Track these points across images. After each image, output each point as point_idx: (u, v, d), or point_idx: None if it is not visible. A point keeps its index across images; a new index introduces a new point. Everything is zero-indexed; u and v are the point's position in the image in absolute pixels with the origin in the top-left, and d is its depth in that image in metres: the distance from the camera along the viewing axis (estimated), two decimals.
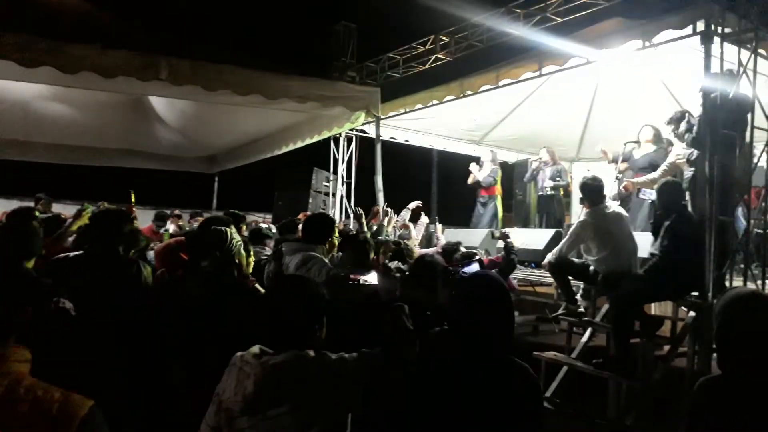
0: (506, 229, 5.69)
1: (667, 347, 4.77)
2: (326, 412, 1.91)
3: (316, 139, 8.41)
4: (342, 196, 9.77)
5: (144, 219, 10.06)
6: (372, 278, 2.51)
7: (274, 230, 5.56)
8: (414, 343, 2.12)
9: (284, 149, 9.23)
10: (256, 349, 1.97)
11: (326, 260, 3.38)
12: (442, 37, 10.22)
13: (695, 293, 4.43)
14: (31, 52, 4.74)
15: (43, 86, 6.46)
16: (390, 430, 2.19)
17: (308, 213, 7.90)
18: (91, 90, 6.27)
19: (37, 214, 4.55)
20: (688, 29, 4.86)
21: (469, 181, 8.96)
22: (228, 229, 2.99)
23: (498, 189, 9.05)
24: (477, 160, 9.30)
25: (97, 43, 5.04)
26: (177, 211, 9.01)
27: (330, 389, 1.91)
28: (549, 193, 8.55)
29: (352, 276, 2.56)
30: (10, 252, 2.80)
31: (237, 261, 3.01)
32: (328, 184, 10.37)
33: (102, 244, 2.96)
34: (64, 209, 9.93)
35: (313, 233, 3.58)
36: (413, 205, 7.16)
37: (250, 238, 4.54)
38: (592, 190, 4.97)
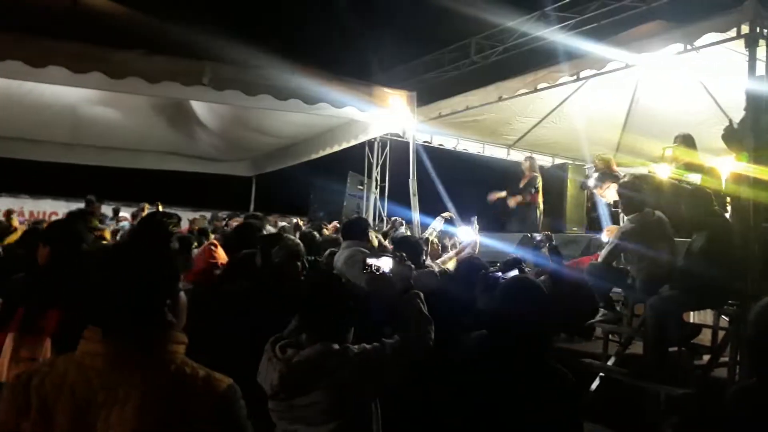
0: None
1: (707, 356, 4.67)
2: (350, 402, 2.00)
3: (352, 143, 8.49)
4: (376, 200, 9.83)
5: (184, 220, 10.35)
6: (385, 265, 2.55)
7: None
8: (431, 329, 2.19)
9: (321, 153, 9.34)
10: (283, 342, 2.08)
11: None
12: (478, 42, 10.20)
13: (736, 302, 4.34)
14: (82, 59, 4.94)
15: (90, 91, 6.70)
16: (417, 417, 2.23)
17: (337, 225, 8.03)
18: (136, 95, 6.50)
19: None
20: (732, 32, 4.75)
21: (511, 204, 8.85)
22: (287, 234, 3.12)
23: (539, 197, 8.92)
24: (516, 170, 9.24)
25: (142, 49, 5.21)
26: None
27: (352, 381, 1.99)
28: None
29: (368, 262, 2.61)
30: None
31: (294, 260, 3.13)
32: (362, 187, 10.46)
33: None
34: (110, 210, 10.32)
35: (353, 232, 3.76)
36: (446, 215, 7.18)
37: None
38: (632, 198, 4.90)
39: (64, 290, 2.63)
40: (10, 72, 4.92)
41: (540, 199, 8.84)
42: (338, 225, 8.10)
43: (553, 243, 4.68)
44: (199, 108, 8.12)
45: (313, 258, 4.66)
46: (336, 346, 2.02)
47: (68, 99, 7.58)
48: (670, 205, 5.03)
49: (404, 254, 2.71)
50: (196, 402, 1.32)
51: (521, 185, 8.88)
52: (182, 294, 1.52)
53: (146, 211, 8.35)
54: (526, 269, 4.63)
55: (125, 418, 1.27)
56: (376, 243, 3.89)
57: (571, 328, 5.72)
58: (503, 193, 8.84)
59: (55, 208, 11.88)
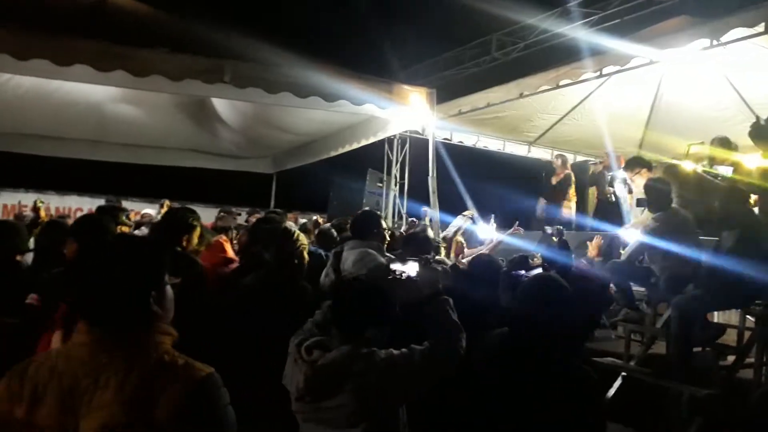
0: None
1: (732, 357, 4.59)
2: (376, 406, 1.98)
3: (371, 140, 8.50)
4: (395, 197, 9.83)
5: (205, 216, 10.44)
6: (411, 270, 2.51)
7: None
8: (462, 337, 2.14)
9: (340, 150, 9.36)
10: (309, 343, 2.07)
11: (381, 258, 3.46)
12: (499, 38, 10.13)
13: (764, 302, 4.25)
14: (106, 58, 5.02)
15: (115, 89, 6.80)
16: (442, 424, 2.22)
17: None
18: (159, 92, 6.58)
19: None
20: (760, 27, 4.66)
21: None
22: (297, 231, 3.12)
23: (571, 193, 8.84)
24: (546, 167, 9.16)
25: (165, 48, 5.27)
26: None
27: (378, 387, 1.97)
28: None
29: (392, 268, 2.58)
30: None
31: (297, 260, 3.14)
32: (381, 185, 10.46)
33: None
34: (132, 206, 10.47)
35: (361, 229, 3.73)
36: (468, 213, 7.15)
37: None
38: (660, 194, 4.83)
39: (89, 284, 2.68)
40: (37, 70, 5.01)
41: (572, 194, 8.76)
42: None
43: (563, 237, 4.63)
44: (221, 105, 8.19)
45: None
46: (363, 350, 2.01)
47: (94, 97, 7.70)
48: (697, 200, 4.94)
49: (429, 257, 2.69)
50: (174, 389, 1.35)
51: (554, 182, 8.80)
52: (168, 287, 1.56)
53: (165, 208, 8.45)
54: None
55: (104, 402, 1.33)
56: (386, 236, 3.84)
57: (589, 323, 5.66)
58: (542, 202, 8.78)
59: (80, 204, 12.08)
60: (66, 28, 4.92)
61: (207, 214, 11.17)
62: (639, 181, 5.62)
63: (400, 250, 3.89)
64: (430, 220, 7.79)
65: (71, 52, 4.86)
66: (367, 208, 8.73)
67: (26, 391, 1.39)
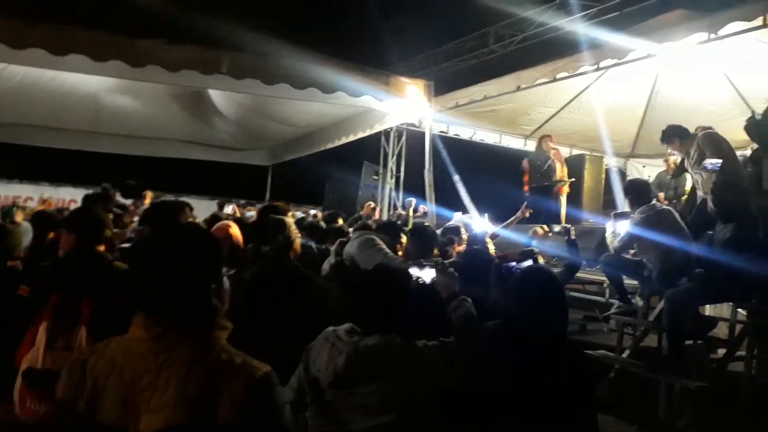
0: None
1: (723, 350, 4.63)
2: (410, 395, 1.99)
3: (368, 132, 8.49)
4: (391, 190, 9.83)
5: (200, 208, 10.43)
6: (428, 276, 2.54)
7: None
8: (482, 331, 2.19)
9: (337, 143, 9.36)
10: (347, 326, 2.08)
11: (383, 243, 3.54)
12: (497, 30, 10.12)
13: (757, 296, 4.29)
14: (102, 47, 4.99)
15: (111, 79, 6.77)
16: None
17: (372, 204, 8.01)
18: (156, 83, 6.55)
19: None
20: (758, 21, 4.66)
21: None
22: (287, 220, 3.13)
23: (565, 188, 8.84)
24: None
25: (162, 38, 5.24)
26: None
27: (415, 374, 1.99)
28: None
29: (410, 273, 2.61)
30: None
31: (293, 248, 3.16)
32: (377, 177, 10.46)
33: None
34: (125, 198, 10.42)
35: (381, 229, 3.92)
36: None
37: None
38: (639, 190, 4.91)
39: (95, 278, 2.68)
40: (32, 60, 4.98)
41: (565, 188, 8.76)
42: (373, 205, 8.11)
43: (572, 237, 4.64)
44: (217, 97, 8.17)
45: (323, 246, 4.69)
46: (399, 338, 2.04)
47: (90, 87, 7.67)
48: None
49: (445, 262, 2.70)
50: (235, 388, 1.33)
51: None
52: (225, 279, 1.53)
53: (149, 199, 8.42)
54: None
55: (166, 401, 1.31)
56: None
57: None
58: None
59: (75, 196, 12.02)
60: (62, 17, 4.89)
61: (202, 207, 11.17)
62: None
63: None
64: (414, 210, 7.81)
65: (67, 41, 4.83)
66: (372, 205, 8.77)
67: (87, 385, 1.38)
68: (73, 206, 10.90)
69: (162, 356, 1.35)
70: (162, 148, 11.12)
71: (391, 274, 2.25)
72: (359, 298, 2.15)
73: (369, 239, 3.72)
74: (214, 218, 5.29)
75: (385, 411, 1.95)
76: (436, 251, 3.88)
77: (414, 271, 2.54)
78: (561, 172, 8.74)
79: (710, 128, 5.34)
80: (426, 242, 3.63)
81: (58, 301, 2.64)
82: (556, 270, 4.09)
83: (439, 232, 5.06)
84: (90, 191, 7.57)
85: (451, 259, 3.80)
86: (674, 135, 5.46)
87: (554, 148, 8.74)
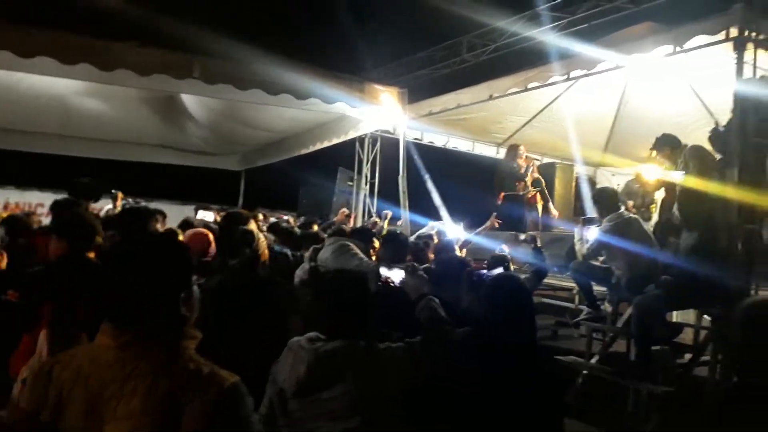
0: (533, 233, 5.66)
1: (689, 355, 4.73)
2: (375, 398, 1.99)
3: (342, 139, 8.50)
4: (365, 197, 9.84)
5: (172, 214, 10.29)
6: (396, 276, 2.57)
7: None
8: (449, 329, 2.20)
9: (311, 149, 9.34)
10: (312, 334, 2.08)
11: (358, 250, 3.55)
12: (469, 40, 10.23)
13: (719, 302, 4.39)
14: (71, 50, 4.91)
15: (80, 82, 6.65)
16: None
17: (346, 210, 7.99)
18: (126, 87, 6.45)
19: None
20: (721, 35, 4.80)
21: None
22: (255, 230, 3.12)
23: (538, 197, 8.93)
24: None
25: (133, 41, 5.18)
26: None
27: (378, 376, 1.99)
28: None
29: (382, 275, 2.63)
30: None
31: (261, 259, 3.14)
32: (351, 183, 10.45)
33: None
34: (94, 204, 10.21)
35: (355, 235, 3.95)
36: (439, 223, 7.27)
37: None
38: (607, 198, 5.02)
39: (88, 285, 2.62)
40: None
41: (538, 197, 8.85)
42: (347, 212, 8.09)
43: (538, 245, 4.73)
44: (190, 101, 8.08)
45: (299, 254, 4.67)
46: (362, 342, 2.04)
47: (57, 90, 7.51)
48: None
49: (415, 264, 2.72)
50: (202, 398, 1.31)
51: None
52: (195, 288, 1.52)
53: (120, 200, 8.27)
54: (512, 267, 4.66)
55: (131, 411, 1.29)
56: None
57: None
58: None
59: (42, 200, 11.73)
60: (28, 18, 4.79)
61: (174, 212, 11.01)
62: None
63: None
64: (390, 221, 7.82)
65: (34, 43, 4.74)
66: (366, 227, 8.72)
67: (52, 395, 1.35)
68: (39, 210, 10.66)
69: (129, 365, 1.33)
70: (133, 152, 10.94)
71: (352, 278, 2.26)
72: (321, 303, 2.15)
73: (343, 245, 3.74)
74: (186, 224, 5.23)
75: (350, 415, 1.95)
76: (409, 257, 3.92)
77: (383, 272, 2.56)
78: (531, 180, 8.85)
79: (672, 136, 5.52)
80: (399, 248, 3.67)
81: (55, 309, 2.58)
82: (524, 276, 4.15)
83: (412, 238, 5.10)
84: (58, 196, 7.41)
85: (425, 265, 3.83)
86: (666, 144, 5.60)
87: (524, 157, 8.85)
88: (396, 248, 3.67)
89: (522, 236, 5.57)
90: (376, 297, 2.21)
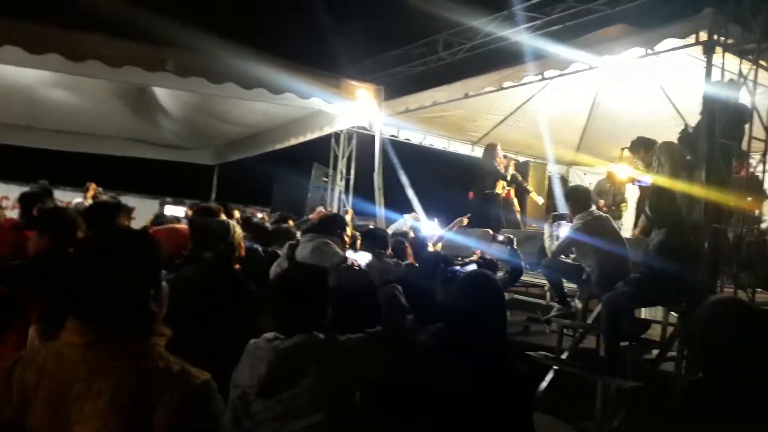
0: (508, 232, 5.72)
1: (656, 351, 4.84)
2: (338, 390, 1.98)
3: (317, 134, 8.46)
4: (340, 193, 9.81)
5: (144, 208, 10.13)
6: (363, 260, 2.58)
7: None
8: (408, 317, 2.22)
9: (285, 144, 9.27)
10: (269, 334, 2.05)
11: (339, 249, 3.54)
12: (446, 38, 10.27)
13: (686, 299, 4.50)
14: (39, 39, 4.78)
15: (47, 72, 6.48)
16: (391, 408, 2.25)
17: (321, 209, 7.96)
18: (96, 78, 6.31)
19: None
20: (691, 38, 4.91)
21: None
22: (231, 222, 3.07)
23: (512, 192, 9.01)
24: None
25: (104, 32, 5.07)
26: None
27: (341, 368, 1.98)
28: None
29: (346, 257, 2.64)
30: None
31: (237, 253, 3.10)
32: (327, 179, 10.42)
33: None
34: (64, 195, 10.01)
35: (327, 227, 3.88)
36: (414, 215, 7.27)
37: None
38: (580, 196, 5.10)
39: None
40: None
41: (512, 193, 8.93)
42: (323, 210, 8.05)
43: (514, 246, 4.79)
44: (162, 94, 7.94)
45: (270, 249, 4.63)
46: (321, 335, 2.02)
47: (25, 80, 7.30)
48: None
49: (381, 250, 2.74)
50: (171, 397, 1.28)
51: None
52: (165, 283, 1.46)
53: (92, 191, 8.10)
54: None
55: (98, 410, 1.26)
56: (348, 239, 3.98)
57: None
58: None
59: (6, 192, 11.43)
60: None
61: (145, 207, 10.83)
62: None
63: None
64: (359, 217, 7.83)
65: (0, 32, 4.60)
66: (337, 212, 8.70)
67: (15, 393, 1.31)
68: (5, 203, 10.38)
69: (95, 363, 1.29)
70: (103, 145, 10.70)
71: (308, 271, 2.25)
72: (278, 299, 2.12)
73: (324, 243, 3.69)
74: (158, 219, 5.15)
75: (314, 410, 1.93)
76: (389, 252, 3.91)
77: (349, 254, 2.58)
78: (533, 183, 8.97)
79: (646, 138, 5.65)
80: (378, 242, 3.67)
81: (40, 304, 2.51)
82: (500, 274, 4.19)
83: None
84: (24, 189, 7.22)
85: (407, 261, 3.85)
86: (641, 145, 5.89)
87: (501, 156, 8.92)
88: (375, 242, 3.66)
89: (500, 237, 5.64)
90: (331, 290, 2.19)
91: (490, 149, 8.76)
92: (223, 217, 3.55)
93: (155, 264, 1.45)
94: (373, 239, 3.72)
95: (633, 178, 6.41)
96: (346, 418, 2.00)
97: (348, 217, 7.52)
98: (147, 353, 1.34)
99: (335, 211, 9.53)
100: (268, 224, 5.83)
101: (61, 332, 1.38)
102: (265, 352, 1.98)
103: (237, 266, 3.17)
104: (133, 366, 1.30)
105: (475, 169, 8.98)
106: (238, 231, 3.14)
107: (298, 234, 4.84)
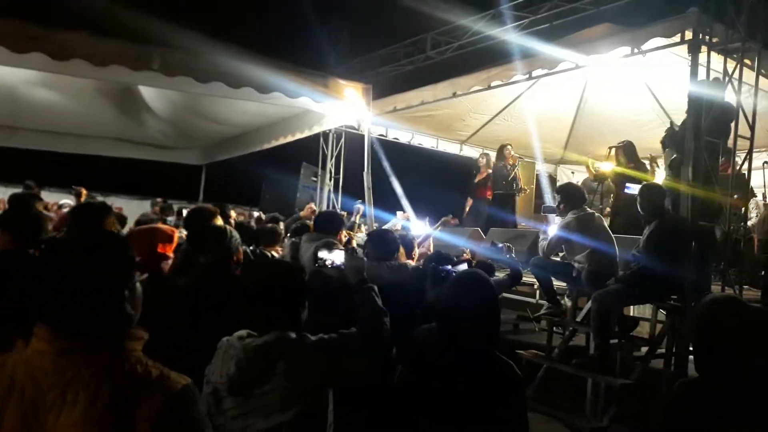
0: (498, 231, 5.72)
1: (645, 348, 4.87)
2: (308, 390, 1.98)
3: (306, 134, 8.42)
4: (329, 192, 9.79)
5: (129, 209, 10.02)
6: (338, 258, 2.56)
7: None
8: (386, 320, 2.22)
9: (274, 143, 9.22)
10: (242, 332, 2.05)
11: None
12: (433, 37, 10.27)
13: (675, 296, 4.54)
14: (22, 38, 4.70)
15: (31, 72, 6.39)
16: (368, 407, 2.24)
17: (313, 206, 7.92)
18: (82, 78, 6.23)
19: None
20: (677, 38, 4.95)
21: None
22: (229, 227, 3.03)
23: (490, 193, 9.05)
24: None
25: (89, 31, 5.00)
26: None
27: (311, 368, 1.98)
28: None
29: (320, 256, 2.62)
30: None
31: (235, 257, 3.06)
32: (316, 179, 10.39)
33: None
34: (50, 197, 9.89)
35: (326, 226, 3.85)
36: (404, 215, 7.27)
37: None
38: (572, 194, 5.10)
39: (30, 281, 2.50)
40: None
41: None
42: (314, 208, 8.01)
43: (512, 255, 4.77)
44: (148, 93, 7.86)
45: (258, 250, 4.59)
46: (293, 334, 2.01)
47: (8, 79, 7.20)
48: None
49: (355, 248, 2.72)
50: (150, 404, 1.24)
51: (476, 180, 8.99)
52: (138, 285, 1.42)
53: (84, 198, 8.00)
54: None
55: (73, 421, 1.21)
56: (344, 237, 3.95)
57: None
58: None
59: None
60: None
61: (132, 207, 10.73)
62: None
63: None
64: (363, 216, 7.80)
65: None
66: (331, 210, 8.67)
67: None
68: None
69: (69, 371, 1.24)
70: (88, 146, 10.58)
71: (280, 269, 2.24)
72: (251, 297, 2.11)
73: (329, 242, 3.65)
74: (143, 219, 5.09)
75: (284, 408, 1.92)
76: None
77: (323, 254, 2.55)
78: (522, 180, 9.01)
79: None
80: (329, 224, 3.71)
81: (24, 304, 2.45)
82: (501, 275, 4.19)
83: None
84: (10, 189, 7.13)
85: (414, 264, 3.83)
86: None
87: (515, 157, 8.96)
88: (384, 244, 3.62)
89: (499, 244, 5.65)
90: (307, 288, 2.18)
91: (501, 151, 8.86)
92: (220, 220, 3.47)
93: (127, 264, 1.40)
94: (321, 221, 3.74)
95: (616, 171, 6.48)
96: (317, 415, 2.00)
97: (357, 217, 7.50)
98: (123, 359, 1.29)
99: (324, 209, 9.51)
100: (253, 224, 5.79)
101: (14, 340, 1.33)
102: (235, 350, 1.98)
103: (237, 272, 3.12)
104: (109, 372, 1.25)
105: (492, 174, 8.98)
106: (236, 235, 3.09)
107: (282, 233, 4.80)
